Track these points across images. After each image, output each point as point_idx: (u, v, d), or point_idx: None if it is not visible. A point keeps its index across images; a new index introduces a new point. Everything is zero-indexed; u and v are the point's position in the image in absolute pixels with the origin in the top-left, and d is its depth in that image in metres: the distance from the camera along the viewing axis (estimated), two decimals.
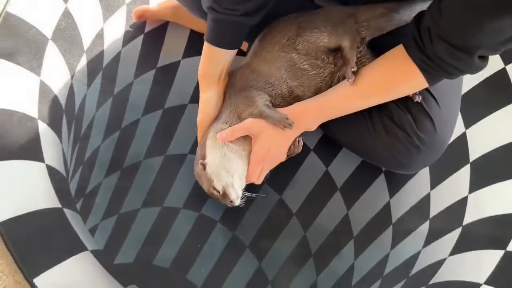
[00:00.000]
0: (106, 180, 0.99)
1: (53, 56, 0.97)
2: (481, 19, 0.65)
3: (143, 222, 0.96)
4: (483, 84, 1.07)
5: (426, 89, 0.87)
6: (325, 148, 1.05)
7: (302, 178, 1.03)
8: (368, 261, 0.97)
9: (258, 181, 0.91)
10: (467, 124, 1.06)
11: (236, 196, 0.86)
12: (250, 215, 0.99)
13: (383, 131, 0.89)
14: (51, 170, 0.87)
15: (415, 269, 0.96)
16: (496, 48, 0.70)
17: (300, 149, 0.94)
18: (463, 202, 1.01)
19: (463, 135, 1.05)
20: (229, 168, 0.87)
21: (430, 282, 0.93)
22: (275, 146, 0.89)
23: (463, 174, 1.03)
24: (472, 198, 1.00)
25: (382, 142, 0.89)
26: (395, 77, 0.81)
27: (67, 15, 1.00)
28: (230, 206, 0.87)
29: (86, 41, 1.05)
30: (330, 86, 0.90)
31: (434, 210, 1.02)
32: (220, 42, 0.84)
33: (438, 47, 0.72)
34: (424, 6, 0.76)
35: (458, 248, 0.96)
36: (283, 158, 0.92)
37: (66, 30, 1.00)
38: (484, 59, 0.73)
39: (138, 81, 1.08)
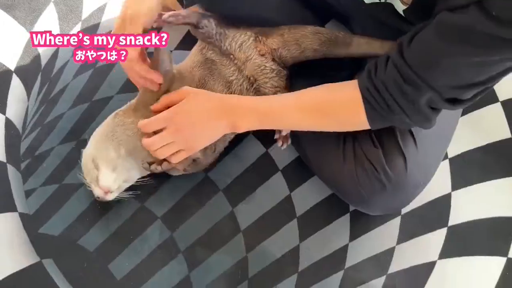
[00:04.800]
0: (59, 147, 0.95)
1: (49, 18, 0.96)
2: (442, 53, 0.61)
3: (81, 199, 0.90)
4: (482, 149, 0.99)
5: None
6: (295, 172, 0.97)
7: (261, 195, 0.95)
8: None
9: (155, 147, 0.79)
10: (455, 186, 0.97)
11: (100, 191, 0.82)
12: (195, 219, 0.92)
13: (352, 160, 0.82)
14: (8, 124, 0.84)
15: None
16: (446, 94, 0.65)
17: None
18: (429, 268, 0.90)
19: (448, 196, 0.96)
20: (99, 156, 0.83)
21: None
22: (195, 117, 0.77)
23: (437, 238, 0.93)
24: (440, 265, 0.90)
25: (349, 171, 0.82)
26: (337, 100, 0.75)
27: None
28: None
29: (86, 11, 1.04)
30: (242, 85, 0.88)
31: (394, 267, 0.91)
32: None
33: (388, 77, 0.68)
34: None
35: None
36: (197, 140, 0.80)
37: None
38: (433, 110, 0.69)
39: None
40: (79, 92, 1.01)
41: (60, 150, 0.95)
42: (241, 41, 0.88)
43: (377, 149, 0.81)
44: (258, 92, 0.89)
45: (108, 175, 0.82)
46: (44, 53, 0.95)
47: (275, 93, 0.88)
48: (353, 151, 0.82)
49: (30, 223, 0.79)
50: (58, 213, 0.89)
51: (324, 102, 0.76)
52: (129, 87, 1.02)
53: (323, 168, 0.88)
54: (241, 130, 0.80)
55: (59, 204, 0.90)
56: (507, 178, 0.95)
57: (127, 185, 0.87)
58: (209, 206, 0.93)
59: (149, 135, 0.80)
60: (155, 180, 0.90)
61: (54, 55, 0.98)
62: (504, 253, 0.87)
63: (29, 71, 0.91)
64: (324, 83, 0.79)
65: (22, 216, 0.78)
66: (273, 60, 0.89)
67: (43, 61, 0.95)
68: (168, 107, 0.79)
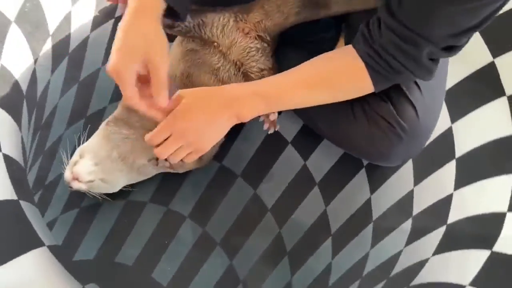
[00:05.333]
0: None
1: (15, 40, 0.91)
2: (436, 5, 0.63)
3: (106, 217, 0.89)
4: (471, 77, 1.03)
5: None
6: (304, 141, 0.99)
7: (279, 172, 0.97)
8: (347, 260, 0.91)
9: (165, 155, 0.76)
10: (454, 118, 1.01)
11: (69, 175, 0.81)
12: (222, 210, 0.93)
13: (364, 119, 0.84)
14: (8, 160, 0.81)
15: (396, 270, 0.90)
16: (443, 44, 0.67)
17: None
18: (447, 200, 0.95)
19: (449, 130, 1.00)
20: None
21: (412, 284, 0.87)
22: (196, 117, 0.74)
23: (448, 171, 0.98)
24: (457, 195, 0.95)
25: (362, 131, 0.84)
26: (339, 69, 0.76)
27: None
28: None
29: (52, 25, 0.99)
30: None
31: (417, 208, 0.96)
32: None
33: (386, 40, 0.69)
34: None
35: (442, 248, 0.90)
36: (204, 140, 0.77)
37: (31, 12, 0.94)
38: (433, 62, 0.71)
39: None
40: (70, 111, 0.97)
41: None
42: (222, 25, 0.86)
43: (387, 103, 0.83)
44: (246, 76, 0.88)
45: (87, 165, 0.81)
46: (22, 77, 0.91)
47: (262, 76, 0.88)
48: (363, 111, 0.84)
49: (62, 254, 0.78)
50: (87, 237, 0.88)
51: (327, 74, 0.76)
52: (120, 95, 0.99)
53: (335, 133, 0.89)
54: (247, 118, 0.77)
55: (85, 227, 0.89)
56: (499, 99, 1.01)
57: (105, 187, 0.84)
58: (232, 194, 0.94)
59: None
60: (173, 181, 0.90)
61: (33, 80, 0.94)
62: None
63: (11, 101, 0.87)
64: (312, 51, 0.79)
65: (52, 248, 0.77)
66: (258, 37, 0.88)
67: (23, 87, 0.91)
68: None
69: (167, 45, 0.72)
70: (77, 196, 0.90)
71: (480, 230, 0.90)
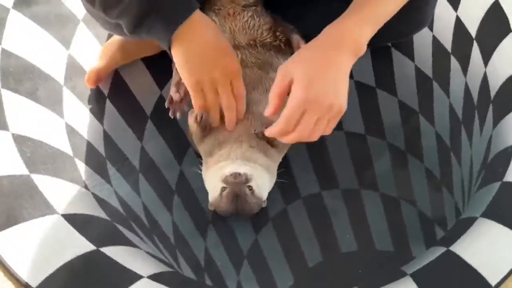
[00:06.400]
0: None
1: None
2: None
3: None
4: None
5: None
6: None
7: None
8: None
9: (307, 134, 0.70)
10: None
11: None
12: None
13: None
14: None
15: None
16: None
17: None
18: None
19: None
20: None
21: None
22: (318, 76, 0.68)
23: None
24: None
25: None
26: None
27: None
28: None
29: None
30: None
31: None
32: None
33: None
34: None
35: None
36: (340, 95, 0.70)
37: None
38: None
39: None
40: None
41: None
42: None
43: None
44: (264, 46, 0.88)
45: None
46: None
47: (274, 34, 0.88)
48: None
49: None
50: None
51: None
52: None
53: None
54: (363, 48, 0.72)
55: None
56: None
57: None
58: None
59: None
60: None
61: None
62: None
63: None
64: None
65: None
66: (244, 7, 0.90)
67: None
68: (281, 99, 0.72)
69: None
70: None
71: None
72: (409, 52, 1.03)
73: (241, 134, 0.82)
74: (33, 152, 0.80)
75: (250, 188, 0.79)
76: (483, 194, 0.75)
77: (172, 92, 0.84)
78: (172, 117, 0.83)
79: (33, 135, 0.83)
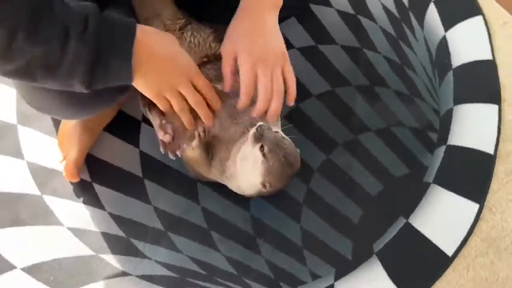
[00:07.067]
0: None
1: None
2: None
3: None
4: None
5: None
6: None
7: None
8: None
9: (269, 90, 0.76)
10: None
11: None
12: None
13: None
14: None
15: None
16: None
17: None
18: None
19: None
20: None
21: None
22: (254, 39, 0.76)
23: None
24: None
25: None
26: None
27: None
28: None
29: None
30: None
31: None
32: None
33: None
34: None
35: None
36: (280, 45, 0.78)
37: None
38: None
39: None
40: None
41: None
42: None
43: None
44: (218, 58, 0.86)
45: None
46: None
47: (218, 39, 0.90)
48: None
49: None
50: None
51: None
52: None
53: None
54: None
55: None
56: None
57: None
58: None
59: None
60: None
61: None
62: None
63: None
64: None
65: None
66: (180, 28, 0.91)
67: None
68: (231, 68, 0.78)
69: None
70: None
71: None
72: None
73: (237, 141, 0.84)
74: (54, 274, 0.78)
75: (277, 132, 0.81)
76: (435, 157, 0.79)
77: (161, 136, 0.81)
78: (174, 158, 0.81)
79: (47, 258, 0.80)
